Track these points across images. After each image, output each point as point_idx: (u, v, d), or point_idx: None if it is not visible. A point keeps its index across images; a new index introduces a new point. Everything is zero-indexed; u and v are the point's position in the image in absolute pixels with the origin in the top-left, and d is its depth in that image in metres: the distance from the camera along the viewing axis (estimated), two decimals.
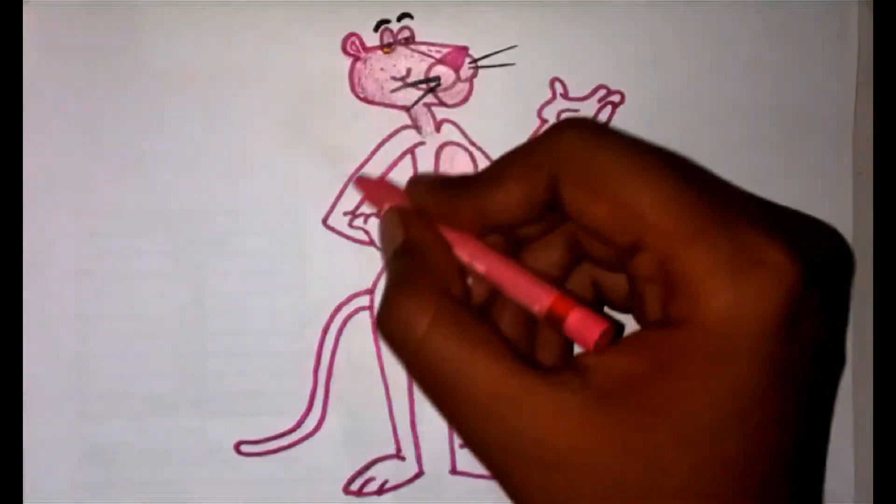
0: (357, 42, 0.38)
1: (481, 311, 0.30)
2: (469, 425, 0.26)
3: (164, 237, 0.38)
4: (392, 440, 0.38)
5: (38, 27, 0.38)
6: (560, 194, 0.27)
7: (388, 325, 0.27)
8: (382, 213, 0.31)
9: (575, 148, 0.27)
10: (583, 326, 0.27)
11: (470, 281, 0.31)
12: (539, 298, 0.28)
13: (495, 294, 0.31)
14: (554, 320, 0.28)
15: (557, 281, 0.30)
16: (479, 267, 0.29)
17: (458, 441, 0.38)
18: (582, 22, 0.38)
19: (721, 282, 0.24)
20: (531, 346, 0.32)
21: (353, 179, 0.38)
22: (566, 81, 0.38)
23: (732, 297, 0.24)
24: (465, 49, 0.38)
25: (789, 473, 0.26)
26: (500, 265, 0.29)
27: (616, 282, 0.30)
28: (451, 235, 0.29)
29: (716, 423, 0.24)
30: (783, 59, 0.39)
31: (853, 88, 0.39)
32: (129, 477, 0.38)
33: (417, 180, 0.31)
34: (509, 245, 0.31)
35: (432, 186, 0.30)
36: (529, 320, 0.31)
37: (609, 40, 0.38)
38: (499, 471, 0.26)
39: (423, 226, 0.30)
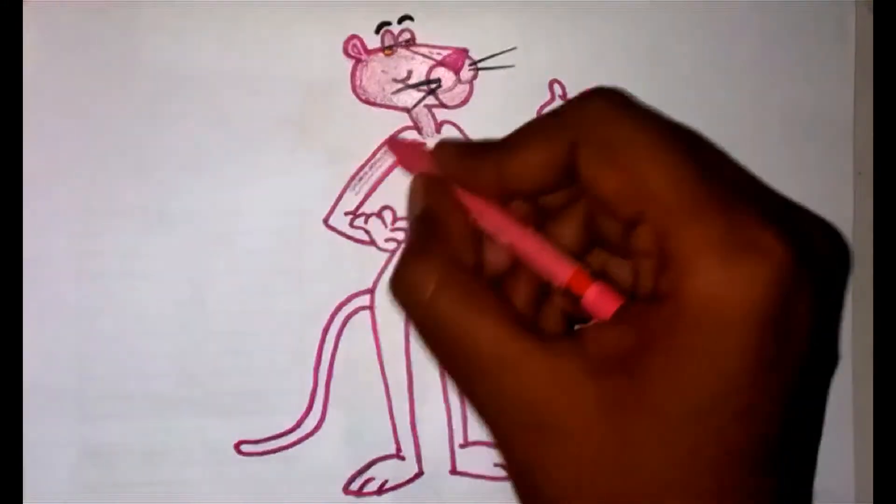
0: (358, 44, 0.38)
1: (496, 280, 0.30)
2: (470, 385, 0.27)
3: (164, 237, 0.38)
4: (392, 440, 0.39)
5: (38, 27, 0.38)
6: (577, 161, 0.27)
7: (399, 288, 0.28)
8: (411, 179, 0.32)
9: (596, 115, 0.27)
10: (600, 301, 0.28)
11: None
12: (560, 270, 0.29)
13: (511, 266, 0.31)
14: (572, 293, 0.28)
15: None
16: (504, 236, 0.29)
17: (458, 441, 0.39)
18: (580, 24, 0.38)
19: (711, 259, 0.24)
20: (538, 318, 0.32)
21: (387, 141, 0.38)
22: (565, 83, 0.38)
23: (720, 275, 0.24)
24: (465, 51, 0.38)
25: (772, 466, 0.26)
26: (524, 236, 0.29)
27: (625, 269, 0.31)
28: (476, 205, 0.30)
29: (696, 403, 0.24)
30: (782, 59, 0.39)
31: (852, 89, 0.39)
32: (128, 477, 0.38)
33: (444, 144, 0.32)
34: (532, 214, 0.31)
35: (458, 150, 0.31)
36: (540, 294, 0.31)
37: (607, 42, 0.39)
38: (493, 429, 0.27)
39: (443, 194, 0.30)
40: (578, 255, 0.31)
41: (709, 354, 0.24)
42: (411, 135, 0.38)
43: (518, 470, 0.27)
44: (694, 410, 0.24)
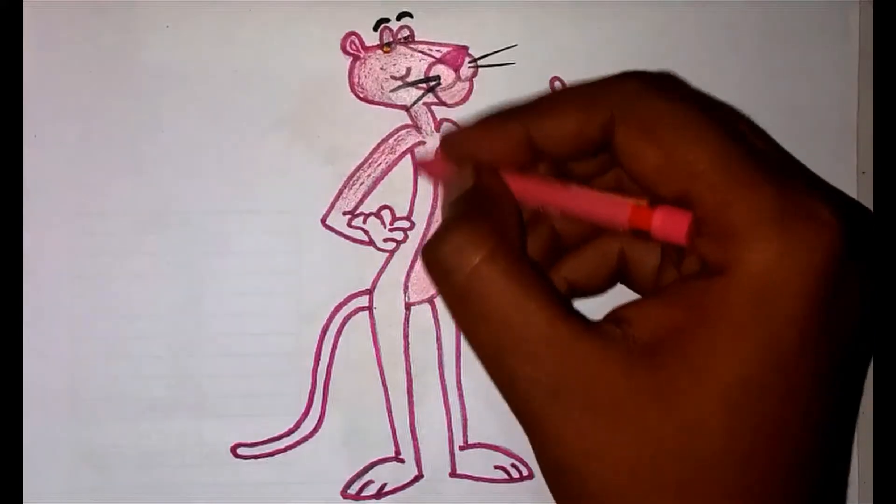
0: (356, 41, 0.38)
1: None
2: (511, 363, 0.26)
3: (162, 237, 0.38)
4: (391, 442, 0.38)
5: (38, 27, 0.38)
6: (614, 135, 0.27)
7: (440, 251, 0.26)
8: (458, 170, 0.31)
9: (637, 91, 0.27)
10: (669, 225, 0.26)
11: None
12: (619, 212, 0.27)
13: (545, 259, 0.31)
14: (639, 225, 0.27)
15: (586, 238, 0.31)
16: (553, 204, 0.29)
17: (457, 443, 0.38)
18: (581, 21, 0.38)
19: (769, 230, 0.24)
20: None
21: (416, 162, 0.38)
22: (565, 80, 0.38)
23: (779, 245, 0.24)
24: (464, 48, 0.38)
25: (818, 444, 0.25)
26: (571, 195, 0.28)
27: (644, 254, 0.30)
28: (518, 180, 0.29)
29: (755, 377, 0.24)
30: (785, 58, 0.39)
31: (855, 87, 0.38)
32: (124, 480, 0.38)
33: (452, 128, 0.31)
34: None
35: (474, 122, 0.30)
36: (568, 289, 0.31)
37: (608, 40, 0.38)
38: (533, 411, 0.26)
39: (494, 177, 0.29)
40: (590, 239, 0.31)
41: (766, 325, 0.24)
42: (411, 134, 0.38)
43: (563, 459, 0.26)
44: (752, 386, 0.24)
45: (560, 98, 0.29)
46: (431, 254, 0.27)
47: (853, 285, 0.25)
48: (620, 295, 0.32)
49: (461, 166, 0.30)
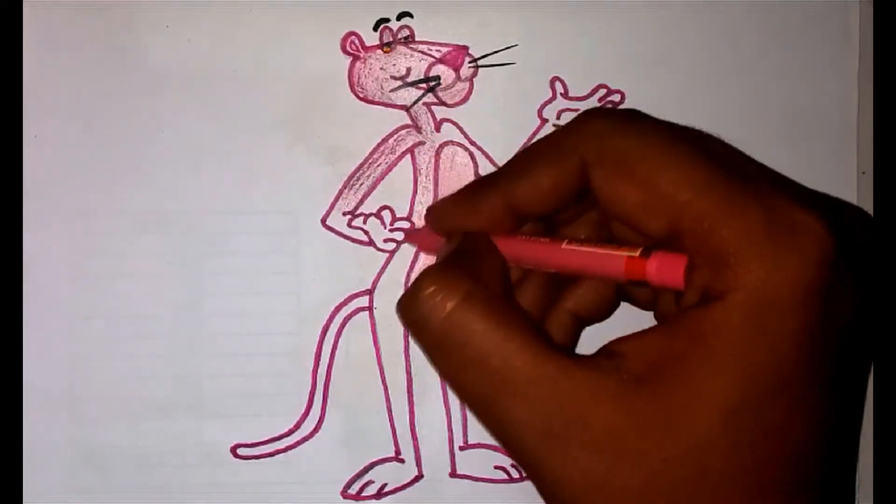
0: (356, 41, 0.38)
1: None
2: (499, 407, 0.25)
3: (162, 237, 0.38)
4: (391, 442, 0.38)
5: (38, 27, 0.38)
6: (591, 180, 0.26)
7: (414, 300, 0.26)
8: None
9: (605, 133, 0.26)
10: (665, 273, 0.26)
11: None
12: (615, 262, 0.27)
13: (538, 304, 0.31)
14: (635, 275, 0.27)
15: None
16: (546, 264, 0.29)
17: (458, 443, 0.38)
18: (582, 21, 0.38)
19: (760, 249, 0.24)
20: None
21: (405, 236, 0.38)
22: (566, 81, 0.38)
23: (770, 263, 0.24)
24: (464, 48, 0.38)
25: (824, 453, 0.25)
26: (563, 255, 0.28)
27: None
28: (509, 246, 0.29)
29: (756, 393, 0.24)
30: (785, 58, 0.39)
31: (855, 88, 0.38)
32: (124, 481, 0.38)
33: (435, 203, 0.31)
34: (545, 228, 0.31)
35: (455, 193, 0.30)
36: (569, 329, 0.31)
37: (609, 40, 0.38)
38: (529, 454, 0.26)
39: (482, 237, 0.29)
40: None
41: (763, 342, 0.24)
42: (410, 133, 0.38)
43: (567, 499, 0.25)
44: (756, 403, 0.24)
45: (530, 157, 0.28)
46: (406, 305, 0.27)
47: (849, 290, 0.25)
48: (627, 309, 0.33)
49: (448, 237, 0.30)
